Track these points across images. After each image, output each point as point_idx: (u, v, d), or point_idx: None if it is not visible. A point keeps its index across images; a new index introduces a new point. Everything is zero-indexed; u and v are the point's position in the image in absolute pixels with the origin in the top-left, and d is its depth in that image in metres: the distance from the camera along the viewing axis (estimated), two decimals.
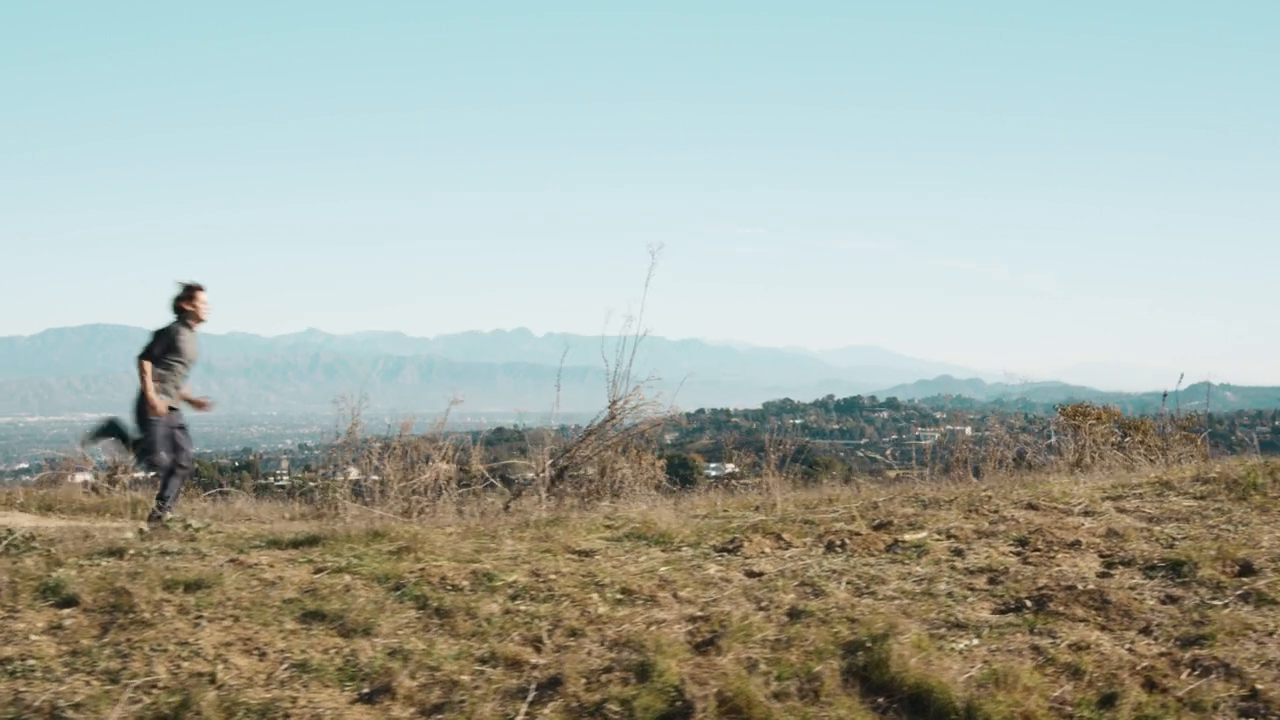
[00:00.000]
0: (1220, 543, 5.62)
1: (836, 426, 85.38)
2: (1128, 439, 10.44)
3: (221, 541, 5.90)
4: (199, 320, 7.46)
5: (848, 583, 5.17)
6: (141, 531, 6.26)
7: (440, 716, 3.94)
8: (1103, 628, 4.66)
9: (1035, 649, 4.44)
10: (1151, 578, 5.24)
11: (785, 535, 6.01)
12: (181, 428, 7.41)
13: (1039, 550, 5.66)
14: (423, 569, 5.11)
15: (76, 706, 3.88)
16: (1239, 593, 4.97)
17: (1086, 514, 6.38)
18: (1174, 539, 5.81)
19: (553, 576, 5.10)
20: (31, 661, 4.17)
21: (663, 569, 5.34)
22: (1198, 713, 4.03)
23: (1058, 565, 5.43)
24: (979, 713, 3.97)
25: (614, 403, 8.87)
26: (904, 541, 5.85)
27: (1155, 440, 10.46)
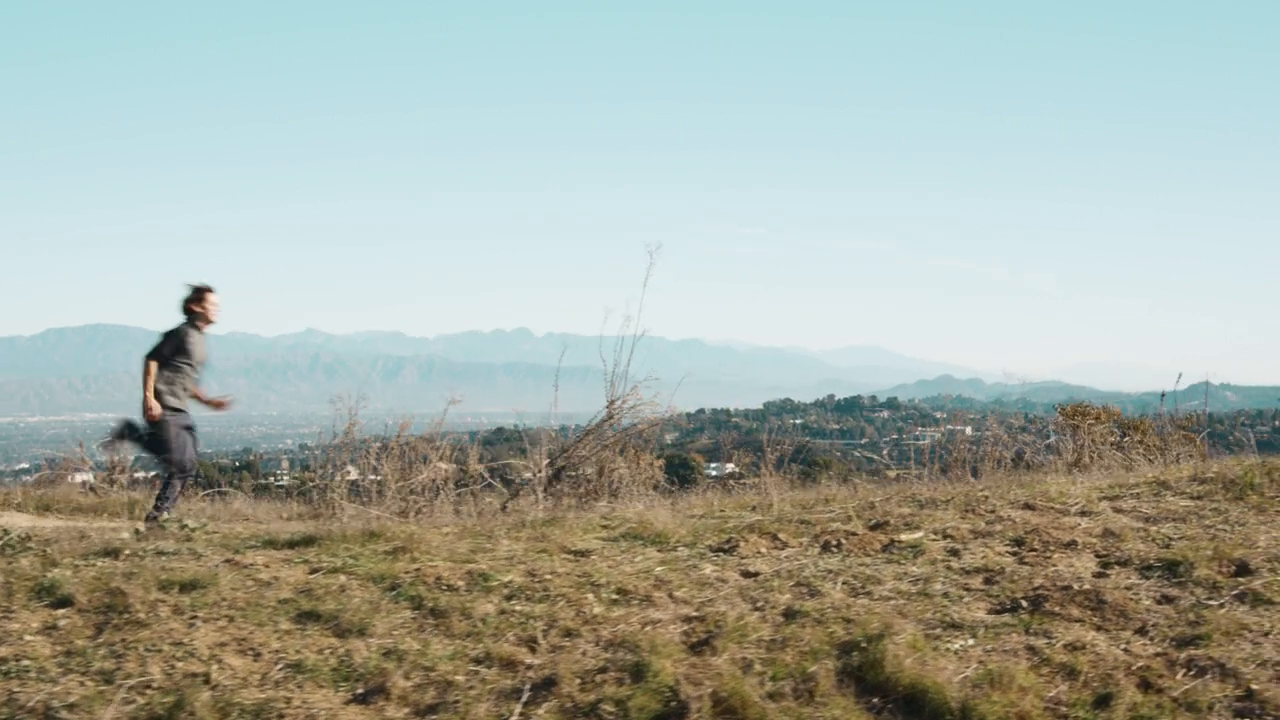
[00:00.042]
0: (1217, 543, 5.62)
1: (837, 426, 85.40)
2: (1126, 439, 10.44)
3: (217, 542, 5.89)
4: (208, 322, 7.47)
5: (843, 583, 5.17)
6: (137, 532, 6.26)
7: (434, 717, 3.94)
8: (1098, 628, 4.65)
9: (1031, 649, 4.43)
10: (1147, 578, 5.24)
11: (781, 535, 6.01)
12: (189, 428, 7.42)
13: (1035, 550, 5.66)
14: (418, 569, 5.11)
15: (70, 707, 3.87)
16: (1235, 593, 4.97)
17: (1083, 514, 6.37)
18: (1170, 539, 5.81)
19: (548, 576, 5.10)
20: (26, 662, 4.17)
21: (658, 569, 5.34)
22: (1193, 713, 4.02)
23: (1054, 565, 5.43)
24: (974, 713, 3.97)
25: (612, 403, 8.87)
26: (900, 541, 5.85)
27: (1154, 440, 10.45)
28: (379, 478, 7.95)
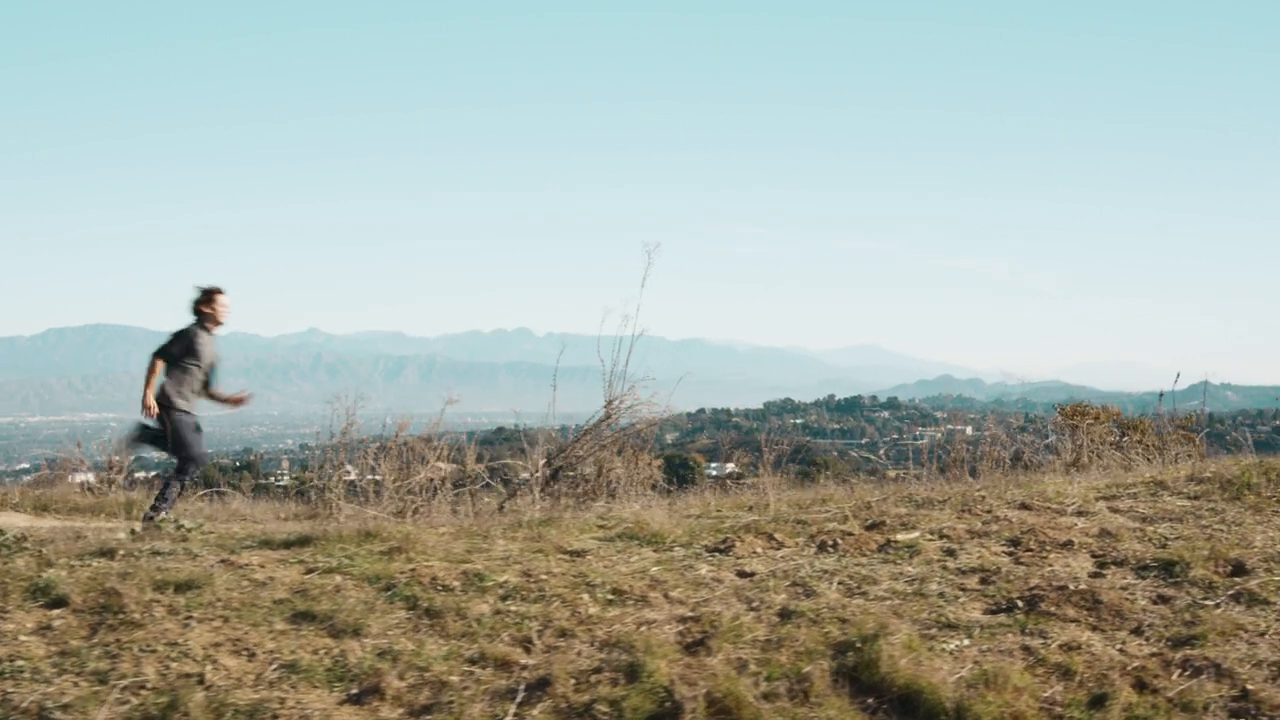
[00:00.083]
0: (1213, 543, 5.61)
1: (837, 426, 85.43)
2: (1126, 439, 10.43)
3: (213, 542, 5.89)
4: (217, 323, 7.48)
5: (839, 583, 5.16)
6: (133, 532, 6.26)
7: (429, 717, 3.93)
8: (1094, 628, 4.65)
9: (1026, 649, 4.43)
10: (1144, 578, 5.24)
11: (777, 535, 6.00)
12: (197, 429, 7.43)
13: (1031, 550, 5.65)
14: (414, 569, 5.10)
15: (64, 707, 3.87)
16: (1231, 593, 4.96)
17: (1080, 514, 6.36)
18: (1167, 539, 5.80)
19: (544, 577, 5.09)
20: (20, 662, 4.16)
21: (654, 569, 5.34)
22: (1188, 713, 4.02)
23: (1050, 565, 5.42)
24: (969, 713, 3.96)
25: (610, 403, 8.86)
26: (896, 541, 5.85)
27: (1153, 440, 10.44)
28: (377, 478, 7.94)
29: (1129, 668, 4.27)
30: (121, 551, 5.47)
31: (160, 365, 7.26)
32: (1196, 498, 6.79)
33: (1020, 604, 4.89)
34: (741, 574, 5.34)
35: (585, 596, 4.89)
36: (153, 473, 14.05)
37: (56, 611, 4.57)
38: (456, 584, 4.96)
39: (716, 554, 5.72)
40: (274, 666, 4.19)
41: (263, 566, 5.19)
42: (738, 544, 5.82)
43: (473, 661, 4.27)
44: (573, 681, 4.11)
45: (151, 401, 7.18)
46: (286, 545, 5.69)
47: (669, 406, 8.93)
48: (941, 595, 5.02)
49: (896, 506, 6.71)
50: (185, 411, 7.30)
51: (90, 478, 11.18)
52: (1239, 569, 5.23)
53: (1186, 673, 4.24)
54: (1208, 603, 4.88)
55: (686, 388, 9.84)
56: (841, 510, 6.61)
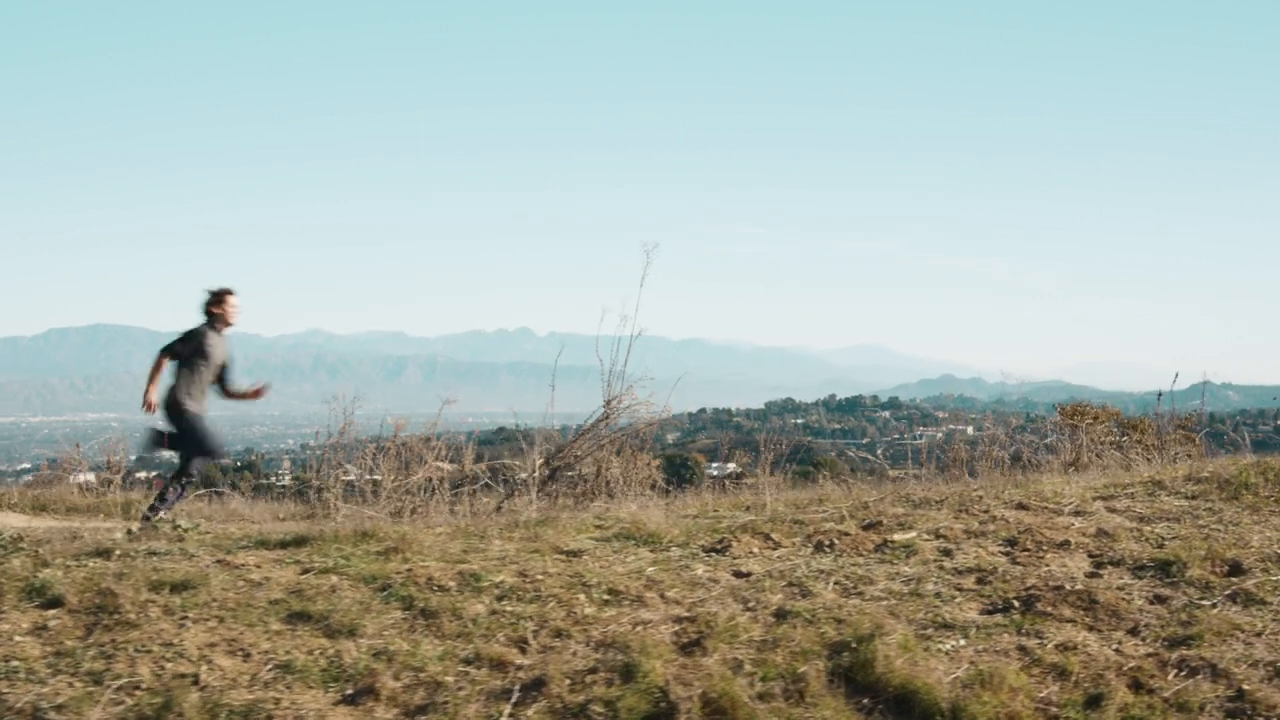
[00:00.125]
0: (1210, 542, 5.61)
1: (838, 426, 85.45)
2: (1126, 438, 10.42)
3: (209, 542, 5.88)
4: (227, 324, 7.50)
5: (835, 583, 5.16)
6: (130, 532, 6.26)
7: (424, 718, 3.93)
8: (1090, 628, 4.64)
9: (1022, 649, 4.42)
10: (1140, 578, 5.23)
11: (774, 535, 5.99)
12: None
13: (1028, 550, 5.65)
14: (410, 569, 5.10)
15: (59, 708, 3.87)
16: (1227, 593, 4.96)
17: (1077, 514, 6.36)
18: (1164, 539, 5.80)
19: (540, 577, 5.09)
20: (15, 663, 4.16)
21: (650, 569, 5.33)
22: (1184, 713, 4.01)
23: (1046, 565, 5.41)
24: (964, 713, 3.96)
25: (608, 402, 8.85)
26: (893, 541, 5.84)
27: (1153, 440, 10.43)
28: (375, 478, 7.94)
29: (1125, 668, 4.27)
30: (118, 552, 5.47)
31: (165, 362, 7.28)
32: (1194, 498, 6.79)
33: (1016, 604, 4.88)
34: (738, 574, 5.34)
35: (581, 597, 4.88)
36: (153, 473, 14.06)
37: (52, 612, 4.57)
38: (452, 584, 4.96)
39: (713, 554, 5.72)
40: (269, 667, 4.19)
41: (259, 567, 5.19)
42: (734, 544, 5.81)
43: (468, 662, 4.27)
44: (568, 682, 4.11)
45: (154, 397, 7.19)
46: (283, 545, 5.69)
47: (667, 406, 8.92)
48: (938, 595, 5.02)
49: (893, 506, 6.70)
50: (195, 411, 7.33)
51: (90, 478, 11.18)
52: (1236, 569, 5.23)
53: (1182, 673, 4.24)
54: (1204, 603, 4.87)
55: (688, 388, 9.83)
56: (839, 510, 6.61)
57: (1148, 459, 9.64)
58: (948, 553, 5.65)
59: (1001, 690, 4.05)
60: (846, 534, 5.97)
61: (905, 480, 9.01)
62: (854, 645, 4.33)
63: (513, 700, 4.00)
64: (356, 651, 4.31)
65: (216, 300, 7.45)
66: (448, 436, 8.53)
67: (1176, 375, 10.99)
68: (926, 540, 5.84)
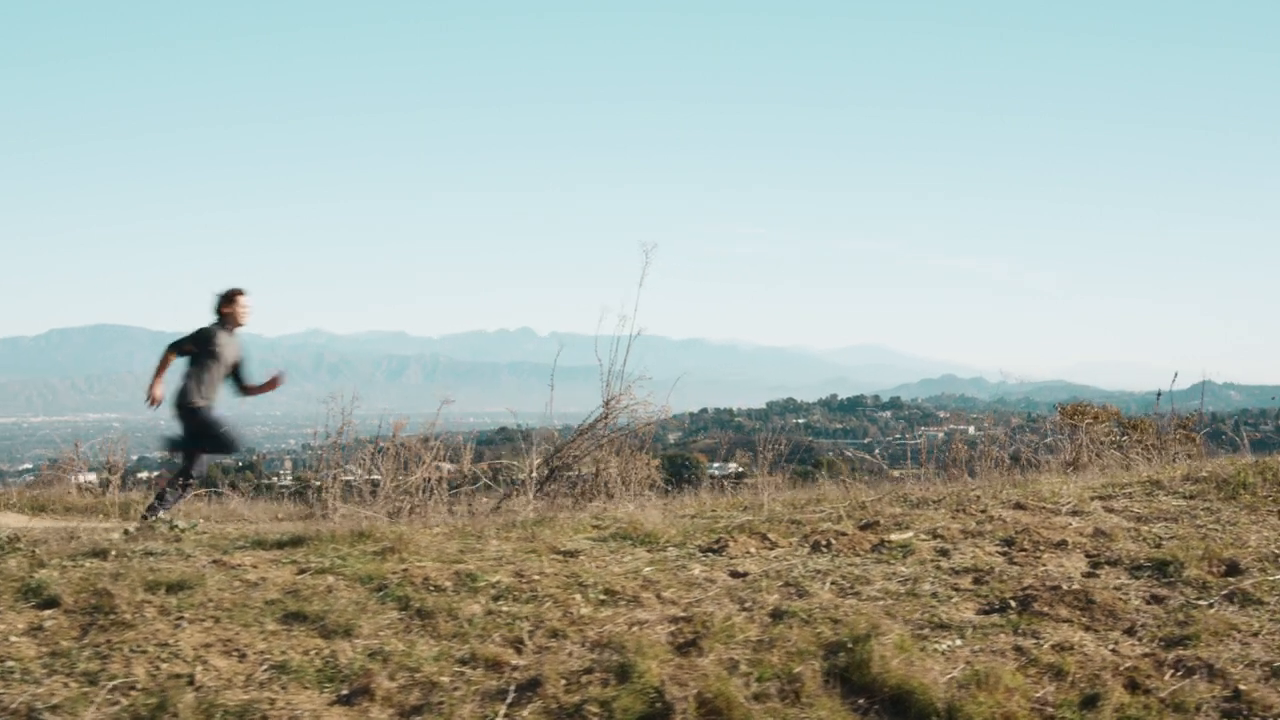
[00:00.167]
0: (1207, 542, 5.60)
1: (839, 426, 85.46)
2: (1126, 438, 10.41)
3: (206, 542, 5.88)
4: (238, 324, 7.54)
5: (832, 583, 5.15)
6: (127, 532, 6.26)
7: (419, 718, 3.93)
8: (1087, 628, 4.63)
9: (1018, 649, 4.41)
10: (1137, 578, 5.22)
11: (771, 535, 5.99)
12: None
13: (1025, 550, 5.64)
14: (406, 570, 5.10)
15: (54, 708, 3.86)
16: (1224, 593, 4.95)
17: (1074, 514, 6.35)
18: (1161, 539, 5.79)
19: (536, 577, 5.09)
20: (11, 663, 4.16)
21: (647, 569, 5.33)
22: (1180, 714, 4.00)
23: (1043, 565, 5.41)
24: (960, 714, 3.95)
25: (607, 402, 8.85)
26: (890, 541, 5.83)
27: (1153, 440, 10.42)
28: (374, 478, 7.94)
29: (1121, 668, 4.26)
30: (114, 552, 5.47)
31: (172, 358, 7.34)
32: (1192, 497, 6.78)
33: (1013, 604, 4.87)
34: (734, 574, 5.33)
35: (577, 597, 4.88)
36: (154, 473, 14.07)
37: (48, 612, 4.57)
38: (449, 584, 4.96)
39: (710, 554, 5.71)
40: (264, 667, 4.18)
41: (255, 567, 5.19)
42: (731, 544, 5.81)
43: (464, 662, 4.26)
44: (563, 682, 4.10)
45: (158, 392, 7.24)
46: (279, 545, 5.69)
47: (666, 406, 8.92)
48: (934, 595, 5.01)
49: (891, 506, 6.70)
50: (204, 408, 7.37)
51: (90, 478, 11.18)
52: (1233, 569, 5.22)
53: (1179, 673, 4.23)
54: (1201, 603, 4.86)
55: (688, 388, 9.83)
56: (836, 510, 6.60)
57: (1147, 459, 9.63)
58: (945, 553, 5.64)
59: (998, 690, 4.05)
60: (843, 534, 5.96)
61: (904, 480, 9.00)
62: (850, 645, 4.32)
63: (508, 700, 3.99)
64: (352, 652, 4.31)
65: (228, 300, 7.50)
66: (447, 436, 8.53)
67: (1176, 374, 10.98)
68: (923, 540, 5.84)
